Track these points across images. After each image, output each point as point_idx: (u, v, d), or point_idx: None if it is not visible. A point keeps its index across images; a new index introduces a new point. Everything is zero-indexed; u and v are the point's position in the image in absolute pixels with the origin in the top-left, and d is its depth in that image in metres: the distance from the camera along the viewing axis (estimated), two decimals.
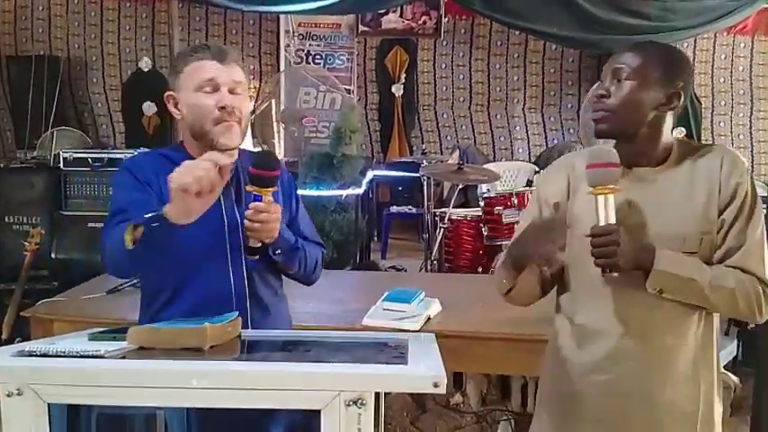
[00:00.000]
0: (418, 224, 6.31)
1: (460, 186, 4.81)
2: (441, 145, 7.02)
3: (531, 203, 1.77)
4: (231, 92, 1.64)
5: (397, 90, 6.86)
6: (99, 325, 1.92)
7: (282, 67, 6.67)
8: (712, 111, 6.39)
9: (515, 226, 3.98)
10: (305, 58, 6.77)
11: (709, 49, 6.27)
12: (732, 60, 6.32)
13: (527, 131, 6.93)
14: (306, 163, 5.11)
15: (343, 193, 5.03)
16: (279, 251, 1.67)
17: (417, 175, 4.86)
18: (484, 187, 4.61)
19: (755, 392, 2.60)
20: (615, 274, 1.48)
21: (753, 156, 6.40)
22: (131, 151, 4.58)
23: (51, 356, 1.16)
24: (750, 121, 6.44)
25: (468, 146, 6.74)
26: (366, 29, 6.74)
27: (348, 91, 6.60)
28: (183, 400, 1.12)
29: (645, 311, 1.53)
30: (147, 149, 4.46)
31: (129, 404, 1.13)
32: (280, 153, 6.09)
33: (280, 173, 1.60)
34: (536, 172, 4.78)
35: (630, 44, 1.58)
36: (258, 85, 6.71)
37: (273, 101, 6.25)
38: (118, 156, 4.52)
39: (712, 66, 6.35)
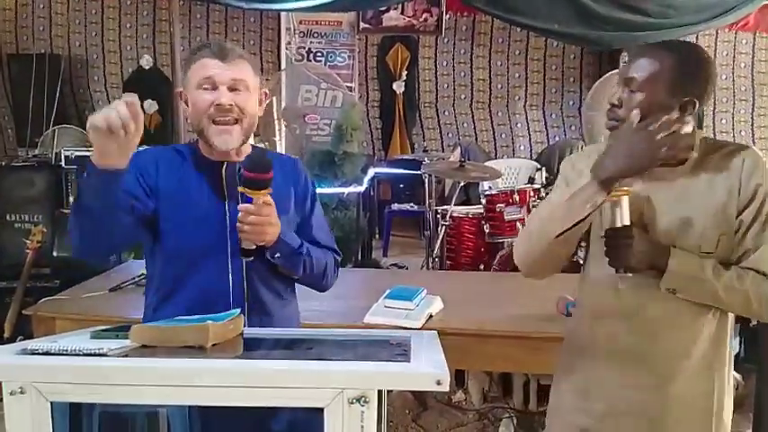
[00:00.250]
0: (420, 222, 6.30)
1: (462, 184, 4.81)
2: (442, 142, 7.02)
3: (557, 185, 1.71)
4: (231, 90, 1.63)
5: (399, 87, 6.86)
6: (101, 323, 1.93)
7: (283, 65, 6.67)
8: (714, 107, 6.38)
9: (516, 223, 4.05)
10: (306, 55, 6.76)
11: (711, 46, 6.26)
12: (734, 57, 6.31)
13: (528, 129, 6.93)
14: (307, 161, 5.11)
15: (345, 190, 5.03)
16: (278, 255, 1.64)
17: (419, 172, 4.85)
18: (485, 185, 4.61)
19: (758, 389, 2.60)
20: (629, 275, 1.49)
21: None
22: (146, 148, 4.58)
23: (54, 355, 1.16)
24: (752, 117, 6.44)
25: (469, 143, 6.74)
26: (367, 26, 6.73)
27: (349, 88, 6.59)
28: (186, 399, 1.12)
29: (659, 309, 1.55)
30: (147, 147, 4.47)
31: (131, 402, 1.13)
32: (281, 151, 6.08)
33: (272, 175, 1.56)
34: (537, 169, 4.77)
35: (645, 48, 1.54)
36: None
37: (275, 98, 6.24)
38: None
39: (714, 62, 6.34)
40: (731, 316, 1.61)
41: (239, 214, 1.56)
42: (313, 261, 1.73)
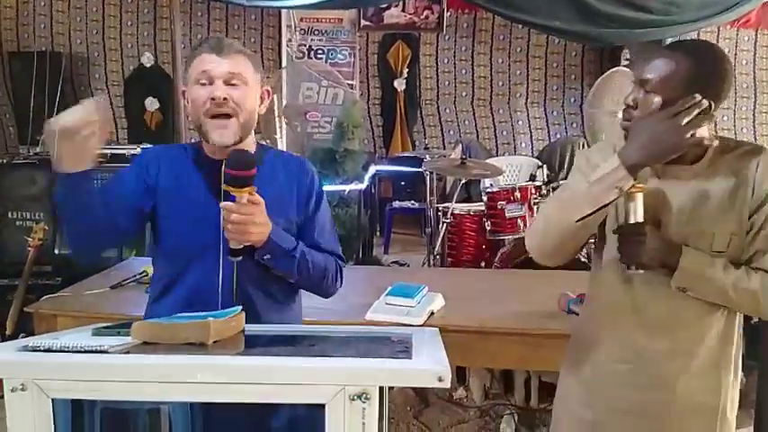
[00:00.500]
0: (421, 219, 6.30)
1: (463, 181, 4.81)
2: (443, 140, 7.01)
3: (573, 174, 1.69)
4: (227, 83, 1.61)
5: (400, 85, 6.85)
6: (102, 320, 1.93)
7: (284, 63, 6.66)
8: None
9: (518, 220, 4.04)
10: (307, 53, 6.76)
11: None
12: (735, 54, 6.29)
13: (530, 126, 6.92)
14: (308, 158, 5.09)
15: (346, 188, 5.03)
16: (268, 256, 1.60)
17: (420, 169, 4.85)
18: (487, 182, 4.61)
19: (759, 386, 2.60)
20: (640, 271, 1.50)
21: None
22: (133, 147, 4.58)
23: (55, 352, 1.16)
24: (753, 114, 6.43)
25: (470, 140, 6.73)
26: (368, 23, 6.73)
27: (350, 86, 6.59)
28: (187, 395, 1.12)
29: (668, 306, 1.56)
30: (149, 145, 4.47)
31: (133, 399, 1.13)
32: (282, 148, 6.07)
33: (255, 172, 1.53)
34: (539, 166, 4.77)
35: (661, 49, 1.54)
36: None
37: (276, 96, 6.24)
38: (120, 151, 4.51)
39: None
40: (739, 315, 1.61)
41: (223, 213, 1.53)
42: (309, 265, 1.67)
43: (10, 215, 4.47)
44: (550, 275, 2.82)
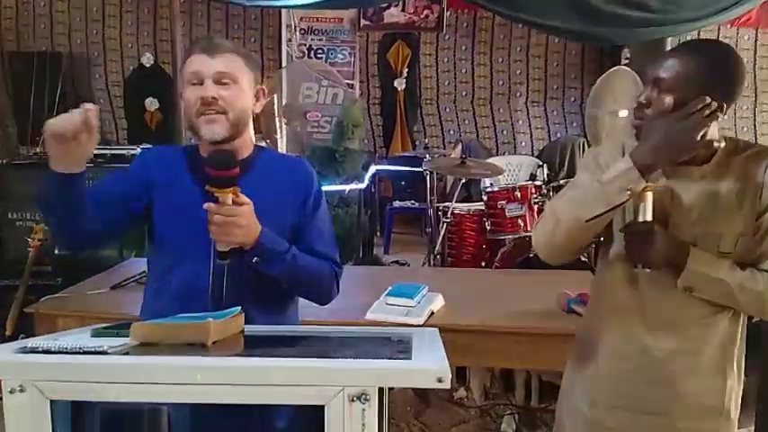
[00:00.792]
0: (421, 219, 6.30)
1: (463, 181, 4.80)
2: (443, 139, 7.01)
3: (581, 173, 1.70)
4: (218, 83, 1.61)
5: (400, 84, 6.85)
6: (103, 320, 1.93)
7: (284, 62, 6.66)
8: None
9: (518, 220, 4.04)
10: (307, 52, 6.76)
11: None
12: None
13: (530, 125, 6.92)
14: (308, 158, 5.11)
15: (346, 187, 5.03)
16: (256, 258, 1.56)
17: (420, 169, 4.84)
18: (487, 181, 4.61)
19: (760, 385, 2.60)
20: (647, 270, 1.51)
21: None
22: (134, 147, 4.58)
23: (54, 353, 1.16)
24: (754, 113, 6.43)
25: (470, 140, 6.73)
26: (368, 23, 6.73)
27: (350, 86, 6.59)
28: (187, 396, 1.12)
29: (674, 306, 1.56)
30: (149, 145, 4.47)
31: (132, 400, 1.13)
32: (282, 148, 6.07)
33: (236, 173, 1.50)
34: (539, 166, 4.76)
35: (675, 49, 1.53)
36: (260, 81, 6.69)
37: (276, 96, 6.24)
38: (120, 152, 4.51)
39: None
40: (743, 316, 1.62)
41: (208, 214, 1.50)
42: (301, 270, 1.64)
43: (10, 215, 4.47)
44: (550, 275, 2.82)
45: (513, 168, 5.81)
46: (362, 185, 5.18)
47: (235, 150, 1.63)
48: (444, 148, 6.83)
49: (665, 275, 1.53)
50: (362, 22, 6.71)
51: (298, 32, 6.71)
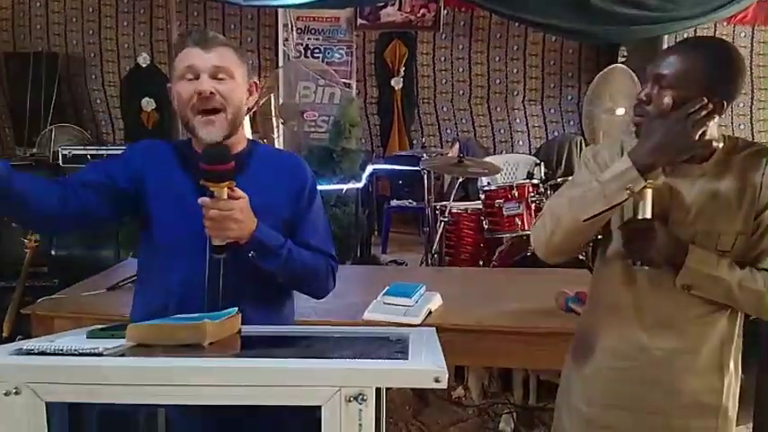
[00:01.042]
0: (419, 218, 6.30)
1: (461, 180, 4.80)
2: (441, 138, 7.02)
3: (579, 171, 1.70)
4: (214, 77, 1.58)
5: (397, 83, 6.85)
6: (100, 321, 1.93)
7: (281, 62, 6.65)
8: None
9: (515, 219, 4.03)
10: (303, 52, 6.75)
11: None
12: None
13: (527, 124, 6.92)
14: (305, 157, 5.09)
15: (344, 187, 5.03)
16: (252, 253, 1.55)
17: (417, 168, 4.84)
18: (484, 180, 4.60)
19: (758, 383, 2.60)
20: (646, 268, 1.50)
21: None
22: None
23: (49, 355, 1.15)
24: (751, 111, 6.44)
25: (468, 139, 6.73)
26: (365, 22, 6.72)
27: (347, 85, 6.59)
28: (183, 398, 1.11)
29: (672, 305, 1.56)
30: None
31: (128, 402, 1.12)
32: (279, 147, 6.07)
33: (231, 167, 1.48)
34: (536, 164, 4.76)
35: (677, 45, 1.53)
36: (257, 80, 6.70)
37: (273, 95, 6.23)
38: (117, 152, 4.50)
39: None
40: (741, 315, 1.62)
41: (203, 209, 1.49)
42: (297, 264, 1.63)
43: (6, 217, 4.46)
44: (548, 274, 2.82)
45: (511, 167, 5.80)
46: (360, 185, 5.17)
47: (230, 145, 1.62)
48: (442, 147, 6.84)
49: (664, 274, 1.53)
50: (359, 21, 6.71)
51: (294, 32, 6.70)
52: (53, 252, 4.18)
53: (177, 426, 1.30)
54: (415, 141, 6.98)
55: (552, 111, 6.89)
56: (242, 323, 1.46)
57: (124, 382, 1.10)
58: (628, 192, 1.45)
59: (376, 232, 6.34)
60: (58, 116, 6.11)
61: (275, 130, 6.19)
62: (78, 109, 6.85)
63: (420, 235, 6.10)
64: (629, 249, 1.51)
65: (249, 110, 1.73)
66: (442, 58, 6.88)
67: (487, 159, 5.12)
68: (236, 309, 1.43)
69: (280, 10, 6.53)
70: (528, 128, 6.93)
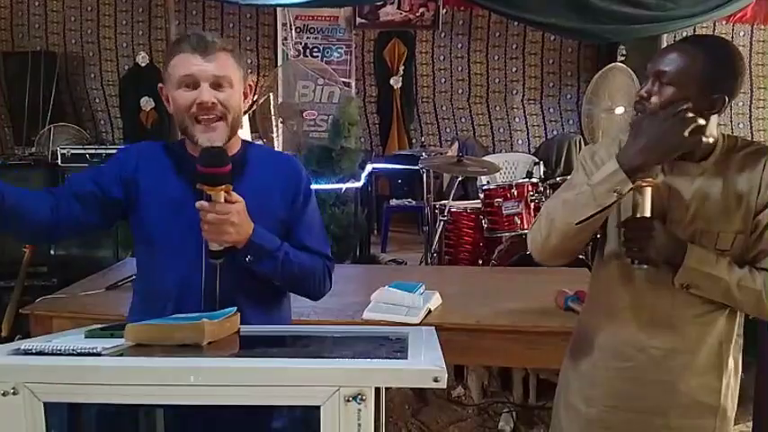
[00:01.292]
0: (418, 217, 6.30)
1: (460, 179, 4.80)
2: (440, 137, 7.01)
3: (576, 172, 1.69)
4: (214, 87, 1.55)
5: (396, 83, 6.85)
6: (98, 321, 1.92)
7: (280, 61, 6.65)
8: None
9: (515, 218, 4.04)
10: (302, 51, 6.75)
11: None
12: None
13: (526, 123, 6.92)
14: (305, 156, 5.10)
15: (343, 186, 5.02)
16: (249, 257, 1.54)
17: (417, 167, 4.84)
18: (483, 179, 4.60)
19: (757, 382, 2.60)
20: (645, 266, 1.50)
21: None
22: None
23: (47, 355, 1.15)
24: (750, 109, 6.44)
25: (467, 138, 6.73)
26: (364, 21, 6.72)
27: (346, 84, 6.58)
28: (181, 398, 1.11)
29: (671, 303, 1.55)
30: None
31: (126, 402, 1.12)
32: (278, 147, 6.06)
33: (228, 170, 1.47)
34: (535, 163, 4.76)
35: (677, 43, 1.52)
36: (256, 80, 6.70)
37: (272, 95, 6.23)
38: (115, 151, 4.51)
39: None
40: (740, 315, 1.61)
41: (200, 213, 1.48)
42: (294, 266, 1.62)
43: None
44: (548, 273, 2.82)
45: (510, 166, 5.81)
46: (359, 184, 5.17)
47: (225, 148, 1.60)
48: (441, 146, 6.83)
49: (662, 273, 1.53)
50: (358, 20, 6.70)
51: (293, 31, 6.70)
52: (52, 252, 4.18)
53: (176, 426, 1.30)
54: (414, 140, 6.98)
55: (551, 110, 6.88)
56: (240, 323, 1.45)
57: (123, 382, 1.10)
58: (615, 194, 1.44)
59: (375, 231, 6.35)
60: (57, 115, 6.10)
61: (274, 129, 6.18)
62: (77, 108, 6.84)
63: (419, 234, 6.11)
64: (628, 248, 1.51)
65: (245, 111, 1.72)
66: (441, 57, 6.88)
67: (487, 158, 5.12)
68: (235, 308, 1.43)
69: (278, 9, 6.52)
70: (527, 127, 6.93)
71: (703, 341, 1.56)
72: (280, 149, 5.93)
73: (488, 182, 4.48)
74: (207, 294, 1.59)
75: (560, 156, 6.10)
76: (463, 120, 6.96)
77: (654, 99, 1.48)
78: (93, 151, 4.59)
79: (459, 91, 6.91)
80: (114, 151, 4.46)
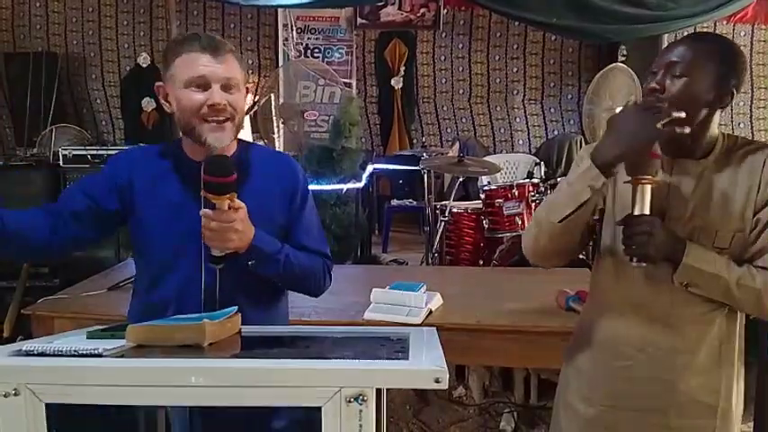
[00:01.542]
0: (419, 217, 6.31)
1: (461, 179, 4.80)
2: (441, 137, 7.01)
3: (572, 170, 1.66)
4: (224, 88, 1.55)
5: (397, 83, 6.85)
6: (100, 322, 1.92)
7: (281, 62, 6.65)
8: None
9: (516, 218, 4.03)
10: (303, 51, 6.75)
11: None
12: None
13: (527, 123, 6.92)
14: (306, 157, 5.10)
15: (344, 186, 5.02)
16: (252, 261, 1.55)
17: (418, 168, 4.85)
18: (484, 179, 4.60)
19: (759, 382, 2.60)
20: (644, 264, 1.49)
21: None
22: (130, 147, 4.58)
23: (48, 356, 1.15)
24: (750, 109, 6.43)
25: (468, 138, 6.73)
26: (364, 22, 6.72)
27: (347, 84, 6.58)
28: (183, 399, 1.11)
29: (670, 303, 1.55)
30: (145, 145, 4.46)
31: (128, 403, 1.12)
32: (279, 148, 6.06)
33: (234, 179, 1.47)
34: (536, 163, 4.76)
35: (684, 38, 1.53)
36: (257, 80, 6.71)
37: (273, 95, 6.23)
38: (117, 152, 4.51)
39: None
40: (741, 314, 1.61)
41: (203, 220, 1.47)
42: (295, 267, 1.63)
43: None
44: (549, 273, 2.80)
45: (511, 166, 5.81)
46: (360, 184, 5.17)
47: (227, 151, 1.62)
48: (442, 147, 6.83)
49: (661, 272, 1.52)
50: (359, 20, 6.70)
51: (294, 32, 6.70)
52: None
53: (177, 426, 1.30)
54: (415, 141, 6.98)
55: (552, 110, 6.88)
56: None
57: (124, 383, 1.10)
58: (589, 190, 1.45)
59: (376, 232, 6.35)
60: (59, 116, 6.11)
61: (275, 129, 6.18)
62: (78, 109, 6.85)
63: (420, 234, 6.11)
64: (627, 246, 1.50)
65: (245, 112, 1.72)
66: (442, 58, 6.88)
67: (487, 159, 5.12)
68: (236, 308, 1.43)
69: (279, 10, 6.52)
70: (528, 127, 6.93)
71: (703, 341, 1.56)
72: (281, 150, 5.93)
73: (489, 182, 4.49)
74: (207, 294, 1.59)
75: (561, 156, 6.10)
76: (464, 120, 6.96)
77: (671, 88, 1.47)
78: (94, 152, 4.59)
79: (460, 91, 6.91)
80: (115, 152, 4.50)
